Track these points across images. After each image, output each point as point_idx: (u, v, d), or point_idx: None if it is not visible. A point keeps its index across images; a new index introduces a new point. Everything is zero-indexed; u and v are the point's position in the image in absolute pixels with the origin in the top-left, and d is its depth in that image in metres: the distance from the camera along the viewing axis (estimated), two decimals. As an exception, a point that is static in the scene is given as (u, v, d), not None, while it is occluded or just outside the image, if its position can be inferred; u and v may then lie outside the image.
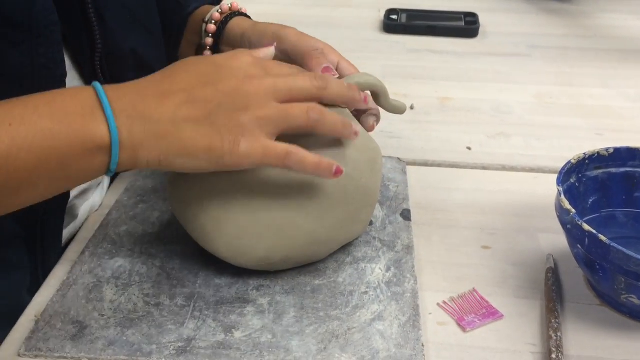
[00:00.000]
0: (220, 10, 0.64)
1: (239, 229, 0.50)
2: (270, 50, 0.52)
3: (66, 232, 0.60)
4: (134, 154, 0.43)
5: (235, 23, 0.64)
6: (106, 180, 0.67)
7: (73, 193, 0.60)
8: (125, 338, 0.48)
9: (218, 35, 0.64)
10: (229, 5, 0.64)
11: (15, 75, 0.48)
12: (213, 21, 0.64)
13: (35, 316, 0.50)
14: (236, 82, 0.45)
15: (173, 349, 0.47)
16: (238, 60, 0.47)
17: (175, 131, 0.43)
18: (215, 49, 0.64)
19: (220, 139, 0.44)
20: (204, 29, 0.64)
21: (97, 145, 0.42)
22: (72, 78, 0.56)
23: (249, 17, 0.67)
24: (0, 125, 0.39)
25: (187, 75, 0.46)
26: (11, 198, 0.42)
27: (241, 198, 0.49)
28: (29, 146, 0.40)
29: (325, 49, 0.58)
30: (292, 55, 0.58)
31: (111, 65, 0.60)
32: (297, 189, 0.49)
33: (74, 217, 0.62)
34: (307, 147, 0.48)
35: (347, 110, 0.54)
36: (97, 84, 0.44)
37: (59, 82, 0.51)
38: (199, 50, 0.65)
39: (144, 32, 0.63)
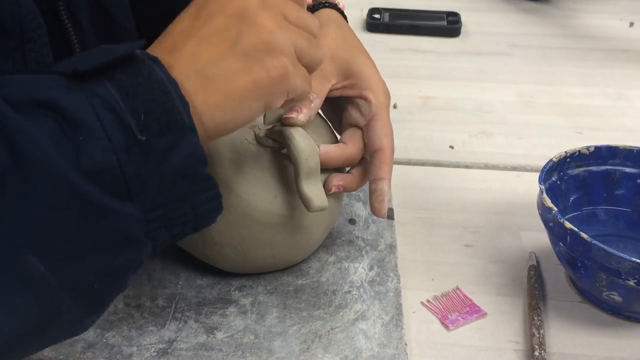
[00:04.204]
0: None
1: (220, 234, 0.49)
2: None
3: None
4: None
5: (326, 14, 0.56)
6: None
7: None
8: (105, 340, 0.47)
9: None
10: None
11: None
12: None
13: (12, 319, 0.49)
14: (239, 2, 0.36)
15: (154, 351, 0.46)
16: None
17: (204, 82, 0.34)
18: None
19: (258, 65, 0.35)
20: None
21: None
22: None
23: (341, 12, 0.58)
24: None
25: (190, 18, 0.36)
26: None
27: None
28: None
29: None
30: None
31: None
32: (277, 188, 0.49)
33: None
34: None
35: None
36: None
37: None
38: None
39: (125, 39, 0.60)
